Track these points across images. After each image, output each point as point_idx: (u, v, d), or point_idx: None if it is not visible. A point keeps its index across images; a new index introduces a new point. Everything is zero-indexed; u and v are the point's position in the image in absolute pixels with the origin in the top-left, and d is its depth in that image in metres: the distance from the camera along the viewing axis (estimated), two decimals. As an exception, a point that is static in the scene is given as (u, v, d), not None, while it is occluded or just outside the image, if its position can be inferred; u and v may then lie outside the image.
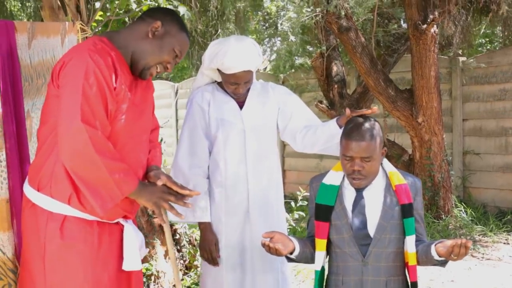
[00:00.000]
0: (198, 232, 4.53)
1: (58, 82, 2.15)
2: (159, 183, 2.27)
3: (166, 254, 4.33)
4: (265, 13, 9.45)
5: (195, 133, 2.83)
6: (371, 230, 2.35)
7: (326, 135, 2.77)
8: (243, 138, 2.82)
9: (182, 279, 4.34)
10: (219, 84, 2.90)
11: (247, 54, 2.72)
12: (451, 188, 6.48)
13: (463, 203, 6.72)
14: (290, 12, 7.60)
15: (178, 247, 4.43)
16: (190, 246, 4.45)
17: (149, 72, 2.29)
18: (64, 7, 3.94)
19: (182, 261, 4.45)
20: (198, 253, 4.43)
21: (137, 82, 2.32)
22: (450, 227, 6.09)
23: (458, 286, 4.57)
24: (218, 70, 2.79)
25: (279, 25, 9.18)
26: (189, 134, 2.84)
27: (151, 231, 4.24)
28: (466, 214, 6.42)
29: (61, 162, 2.13)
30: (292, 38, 6.50)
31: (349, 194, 2.40)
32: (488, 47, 10.25)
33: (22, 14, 8.80)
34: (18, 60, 2.60)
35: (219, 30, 7.81)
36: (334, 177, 2.44)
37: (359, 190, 2.39)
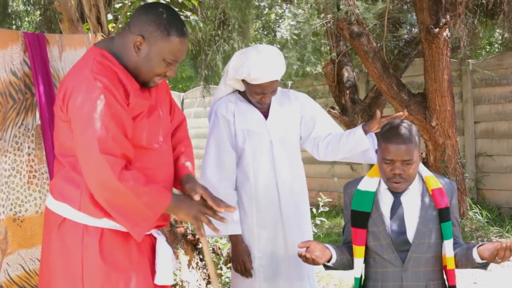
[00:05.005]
0: (221, 241, 4.54)
1: (65, 109, 2.06)
2: (196, 198, 2.18)
3: (189, 263, 4.33)
4: (264, 21, 9.47)
5: (221, 145, 2.79)
6: (410, 235, 2.33)
7: (351, 143, 2.76)
8: (271, 148, 2.80)
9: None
10: (241, 93, 2.86)
11: (273, 64, 2.69)
12: (466, 191, 6.48)
13: (477, 205, 6.71)
14: (289, 19, 7.60)
15: (201, 256, 4.43)
16: (213, 255, 4.45)
17: (151, 84, 2.17)
18: (83, 19, 3.96)
19: (205, 270, 4.44)
20: (221, 261, 4.44)
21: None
22: (466, 229, 6.08)
23: (481, 289, 4.57)
24: (243, 80, 2.76)
25: (277, 32, 9.19)
26: (216, 146, 2.80)
27: (174, 240, 4.24)
28: (482, 216, 6.42)
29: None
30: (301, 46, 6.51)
31: (386, 200, 2.38)
32: (487, 50, 10.28)
33: (23, 25, 8.76)
34: (50, 71, 2.62)
35: (225, 39, 7.83)
36: (369, 183, 2.41)
37: (396, 196, 2.36)
